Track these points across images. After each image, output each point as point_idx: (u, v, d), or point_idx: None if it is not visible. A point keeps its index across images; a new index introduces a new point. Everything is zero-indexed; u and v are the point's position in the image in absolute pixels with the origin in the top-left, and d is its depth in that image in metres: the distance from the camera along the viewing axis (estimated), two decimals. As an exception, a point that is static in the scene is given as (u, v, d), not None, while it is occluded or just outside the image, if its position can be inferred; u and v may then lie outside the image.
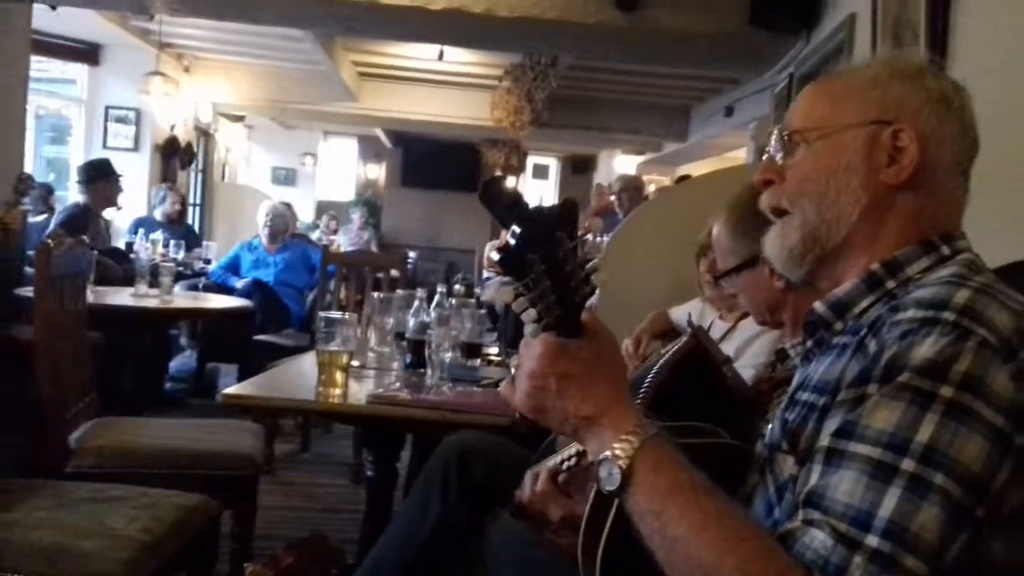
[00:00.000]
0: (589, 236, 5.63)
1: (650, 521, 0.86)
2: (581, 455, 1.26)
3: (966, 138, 1.02)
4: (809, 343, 1.05)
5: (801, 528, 0.82)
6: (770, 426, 1.07)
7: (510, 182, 14.10)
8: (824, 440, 0.86)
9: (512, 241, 0.88)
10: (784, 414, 1.01)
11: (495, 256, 0.89)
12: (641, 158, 11.44)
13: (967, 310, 0.84)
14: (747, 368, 1.95)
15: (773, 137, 1.07)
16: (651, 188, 6.70)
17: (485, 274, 10.26)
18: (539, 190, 15.95)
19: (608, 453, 0.89)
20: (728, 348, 2.10)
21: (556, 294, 0.88)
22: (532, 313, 0.90)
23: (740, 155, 9.49)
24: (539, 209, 0.89)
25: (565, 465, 1.27)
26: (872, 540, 0.78)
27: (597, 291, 0.92)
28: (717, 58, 5.51)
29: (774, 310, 1.63)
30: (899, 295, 0.95)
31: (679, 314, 2.86)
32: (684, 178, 7.88)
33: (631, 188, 6.46)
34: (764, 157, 1.08)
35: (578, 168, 14.96)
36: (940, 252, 0.98)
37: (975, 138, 1.03)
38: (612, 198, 6.67)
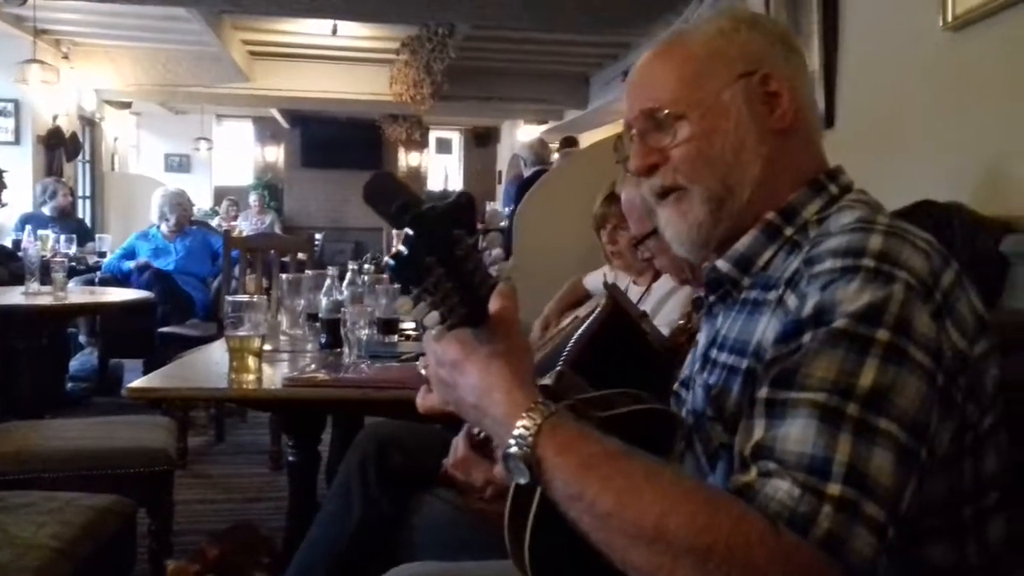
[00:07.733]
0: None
1: (573, 505, 0.79)
2: None
3: (808, 72, 1.04)
4: (712, 298, 1.04)
5: (759, 480, 0.77)
6: (690, 393, 1.03)
7: (403, 168, 13.69)
8: (762, 393, 0.83)
9: (404, 249, 0.80)
10: (704, 378, 0.98)
11: (391, 262, 0.81)
12: (544, 127, 11.45)
13: (884, 255, 0.83)
14: (663, 327, 1.97)
15: (634, 122, 1.01)
16: (555, 157, 6.70)
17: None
18: (443, 164, 15.86)
19: (512, 445, 0.82)
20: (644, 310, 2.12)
21: (459, 294, 0.82)
22: (435, 316, 0.83)
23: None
24: (432, 208, 0.81)
25: (478, 430, 1.24)
26: (835, 487, 0.75)
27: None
28: (614, 21, 5.53)
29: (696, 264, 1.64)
30: (800, 241, 0.95)
31: (594, 280, 2.88)
32: (569, 140, 7.94)
33: (534, 145, 6.52)
34: (629, 144, 1.02)
35: (481, 141, 14.89)
36: (829, 191, 0.98)
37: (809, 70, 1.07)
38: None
